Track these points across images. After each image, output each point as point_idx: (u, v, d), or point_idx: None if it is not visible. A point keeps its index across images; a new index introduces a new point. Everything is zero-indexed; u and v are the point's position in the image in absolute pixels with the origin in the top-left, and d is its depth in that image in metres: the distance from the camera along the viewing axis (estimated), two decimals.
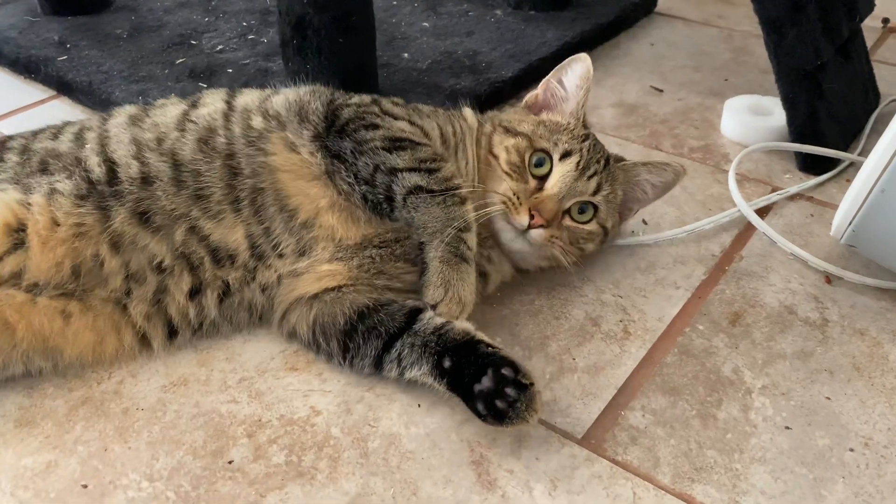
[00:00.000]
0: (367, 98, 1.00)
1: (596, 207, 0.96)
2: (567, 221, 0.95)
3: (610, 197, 0.98)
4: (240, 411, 0.85)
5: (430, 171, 0.90)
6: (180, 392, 0.87)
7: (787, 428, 0.83)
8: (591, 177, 0.95)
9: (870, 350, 0.93)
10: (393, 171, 0.89)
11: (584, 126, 1.01)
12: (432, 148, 0.94)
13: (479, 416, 0.78)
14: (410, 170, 0.89)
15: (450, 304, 0.87)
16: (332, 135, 0.93)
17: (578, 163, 0.95)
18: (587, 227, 0.96)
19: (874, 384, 0.88)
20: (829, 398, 0.87)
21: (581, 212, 0.96)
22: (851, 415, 0.85)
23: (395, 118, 0.96)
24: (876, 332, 0.95)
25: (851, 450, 0.81)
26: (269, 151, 0.91)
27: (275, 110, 0.95)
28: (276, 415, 0.84)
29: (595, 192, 0.96)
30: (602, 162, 0.97)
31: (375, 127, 0.93)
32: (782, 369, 0.90)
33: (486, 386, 0.78)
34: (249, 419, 0.84)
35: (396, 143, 0.91)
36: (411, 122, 0.96)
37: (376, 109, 0.97)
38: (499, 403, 0.77)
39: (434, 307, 0.87)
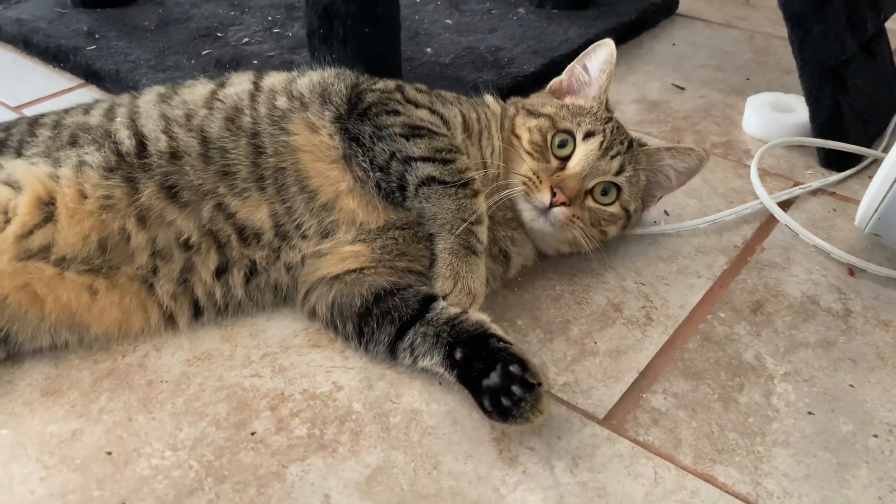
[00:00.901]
0: (391, 84, 1.01)
1: (619, 188, 0.96)
2: (589, 202, 0.95)
3: (633, 179, 0.98)
4: (263, 385, 0.85)
5: (444, 162, 0.90)
6: (204, 366, 0.88)
7: (811, 413, 0.83)
8: (614, 157, 0.95)
9: (894, 340, 0.92)
10: (408, 160, 0.90)
11: (608, 109, 1.01)
12: (449, 139, 0.94)
13: (485, 411, 0.78)
14: (425, 159, 0.90)
15: (459, 295, 0.87)
16: (354, 118, 0.93)
17: (602, 143, 0.95)
18: (610, 208, 0.97)
19: None
20: (852, 385, 0.86)
21: (604, 193, 0.96)
22: (875, 402, 0.84)
23: (417, 106, 0.96)
24: None
25: (875, 436, 0.80)
26: (292, 131, 0.92)
27: (299, 91, 0.96)
28: (299, 389, 0.85)
29: (618, 173, 0.96)
30: (625, 143, 0.98)
31: (396, 113, 0.94)
32: (805, 357, 0.90)
33: (494, 382, 0.77)
34: (272, 393, 0.85)
35: (415, 131, 0.92)
36: (432, 111, 0.97)
37: (399, 96, 0.98)
38: (504, 401, 0.76)
39: (444, 298, 0.87)
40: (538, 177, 0.93)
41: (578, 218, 0.94)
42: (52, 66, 1.59)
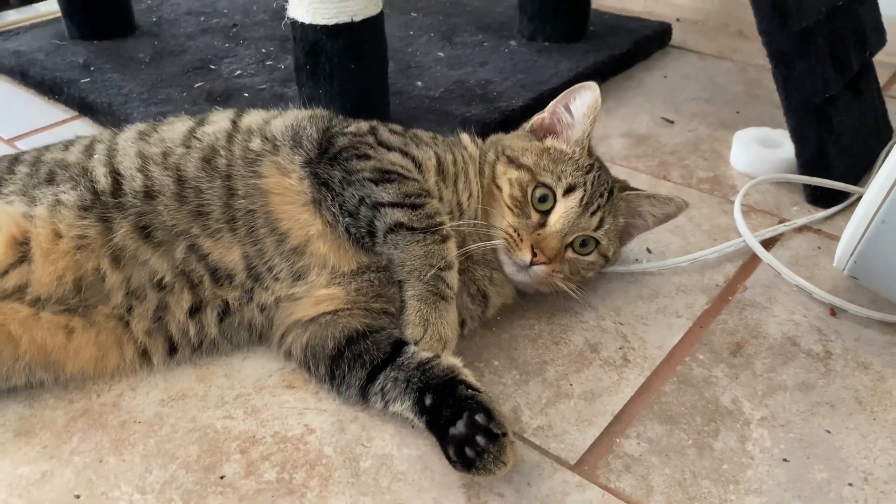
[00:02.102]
0: (364, 126, 1.01)
1: (598, 241, 0.97)
2: (569, 254, 0.96)
3: (611, 229, 0.98)
4: (235, 427, 0.85)
5: (413, 207, 0.90)
6: (178, 406, 0.88)
7: (785, 460, 0.82)
8: (594, 212, 0.96)
9: (873, 384, 0.91)
10: (377, 206, 0.89)
11: (590, 155, 1.01)
12: (420, 182, 0.93)
13: (450, 460, 0.77)
14: (394, 205, 0.89)
15: (430, 341, 0.86)
16: (324, 162, 0.93)
17: (582, 198, 0.95)
18: (589, 258, 0.97)
19: (876, 419, 0.87)
20: (829, 431, 0.85)
21: (583, 245, 0.96)
22: (851, 449, 0.83)
23: (389, 149, 0.96)
24: (880, 367, 0.94)
25: (850, 484, 0.79)
26: (262, 174, 0.92)
27: (272, 133, 0.97)
28: (271, 432, 0.85)
29: (598, 228, 0.96)
30: (606, 195, 0.97)
31: (367, 157, 0.94)
32: (782, 401, 0.89)
33: (459, 431, 0.76)
34: (244, 435, 0.84)
35: (385, 176, 0.92)
36: (405, 153, 0.96)
37: (371, 139, 0.97)
38: (468, 451, 0.75)
39: (415, 344, 0.87)
40: (519, 234, 0.93)
41: (558, 271, 0.94)
42: (48, 97, 1.62)
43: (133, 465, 0.81)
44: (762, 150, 1.33)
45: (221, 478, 0.80)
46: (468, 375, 0.83)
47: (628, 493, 0.78)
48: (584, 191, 0.95)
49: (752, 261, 1.12)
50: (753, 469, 0.81)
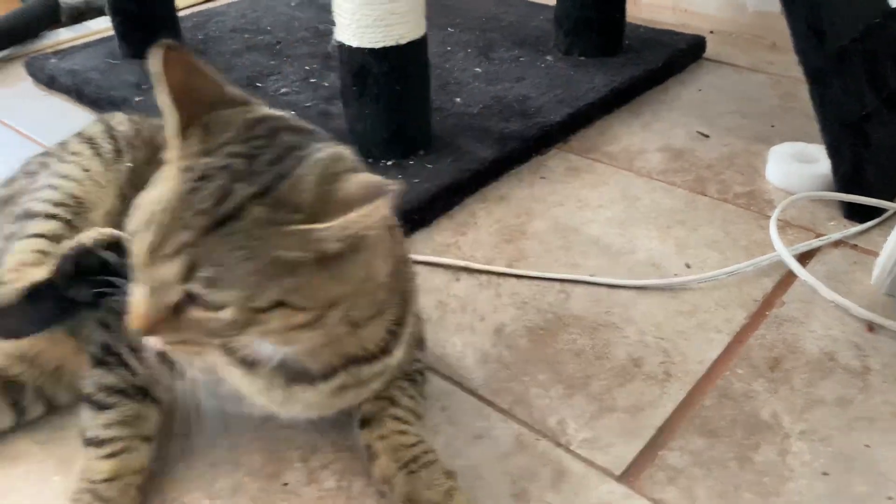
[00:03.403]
0: None
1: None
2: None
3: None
4: (296, 437, 0.90)
5: None
6: (241, 416, 0.93)
7: (825, 474, 0.85)
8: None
9: None
10: None
11: None
12: None
13: None
14: None
15: None
16: None
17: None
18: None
19: None
20: (868, 445, 0.88)
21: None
22: (891, 463, 0.86)
23: None
24: None
25: (890, 498, 0.82)
26: None
27: None
28: (329, 441, 0.90)
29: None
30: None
31: None
32: (821, 415, 0.92)
33: None
34: (305, 444, 0.89)
35: None
36: None
37: None
38: None
39: None
40: None
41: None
42: None
43: (201, 473, 0.86)
44: (798, 165, 1.36)
45: (285, 485, 0.85)
46: None
47: (673, 503, 0.82)
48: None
49: (789, 276, 1.15)
50: (794, 482, 0.84)
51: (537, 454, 0.88)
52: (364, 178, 0.60)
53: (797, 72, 1.28)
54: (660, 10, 2.15)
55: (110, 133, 0.97)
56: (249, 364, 0.73)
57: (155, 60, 0.65)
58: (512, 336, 1.04)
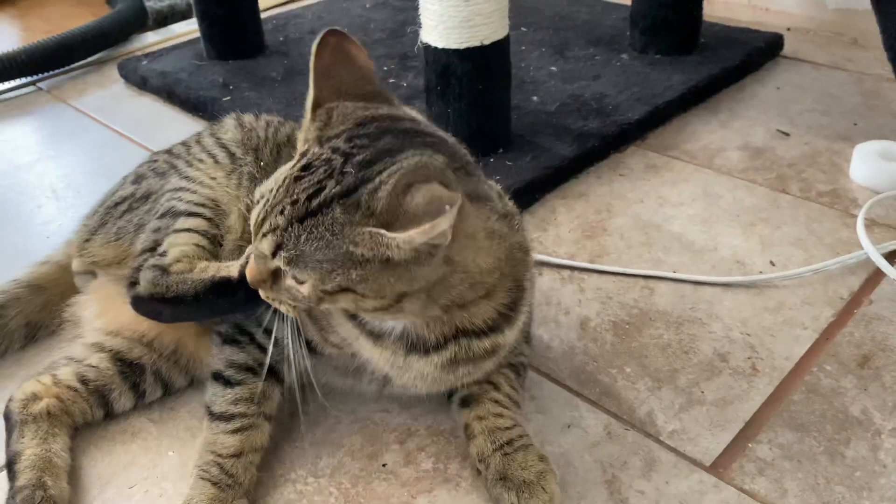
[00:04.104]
0: None
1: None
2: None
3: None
4: (392, 420, 0.94)
5: None
6: (340, 399, 0.98)
7: None
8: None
9: None
10: None
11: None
12: None
13: None
14: None
15: None
16: None
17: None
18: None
19: None
20: None
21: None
22: None
23: None
24: None
25: None
26: None
27: None
28: (424, 425, 0.94)
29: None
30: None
31: None
32: None
33: None
34: (400, 427, 0.93)
35: None
36: None
37: None
38: None
39: None
40: None
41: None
42: (192, 115, 1.77)
43: (305, 452, 0.91)
44: (884, 163, 1.34)
45: (384, 465, 0.89)
46: None
47: (763, 494, 0.83)
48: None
49: (877, 275, 1.14)
50: (886, 477, 0.84)
51: (627, 444, 0.90)
52: (430, 194, 0.62)
53: (880, 69, 1.27)
54: (736, 8, 2.14)
55: (220, 143, 1.05)
56: (377, 336, 0.80)
57: (316, 41, 0.75)
58: (597, 329, 1.07)
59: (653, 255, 1.21)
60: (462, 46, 1.30)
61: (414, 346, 0.78)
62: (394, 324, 0.78)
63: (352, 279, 0.67)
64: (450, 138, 0.77)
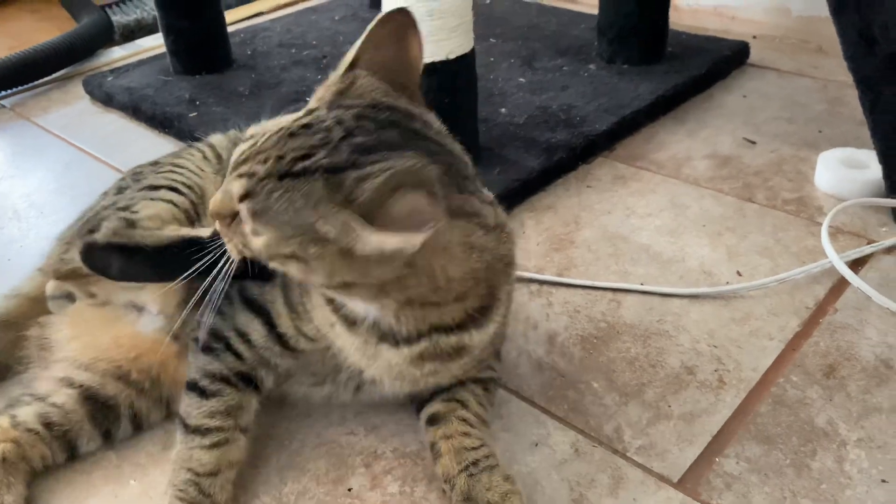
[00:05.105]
0: None
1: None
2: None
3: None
4: (358, 443, 0.93)
5: None
6: (304, 423, 0.96)
7: (884, 481, 0.85)
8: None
9: None
10: None
11: None
12: None
13: None
14: None
15: None
16: None
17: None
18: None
19: None
20: None
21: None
22: None
23: None
24: None
25: None
26: None
27: None
28: (391, 447, 0.92)
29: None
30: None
31: None
32: (878, 423, 0.92)
33: None
34: (366, 450, 0.92)
35: None
36: None
37: None
38: None
39: None
40: None
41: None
42: (159, 131, 1.74)
43: (269, 477, 0.90)
44: (848, 171, 1.35)
45: (349, 490, 0.88)
46: None
47: None
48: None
49: (841, 283, 1.15)
50: (852, 489, 0.84)
51: (595, 461, 0.89)
52: (413, 204, 0.60)
53: (844, 76, 1.28)
54: (702, 17, 2.15)
55: (208, 143, 1.07)
56: (351, 322, 0.79)
57: (383, 12, 0.74)
58: (565, 344, 1.06)
59: (620, 267, 1.21)
60: (427, 61, 1.30)
61: (385, 335, 0.78)
62: (367, 311, 0.77)
63: (307, 252, 0.66)
64: (456, 149, 0.77)
